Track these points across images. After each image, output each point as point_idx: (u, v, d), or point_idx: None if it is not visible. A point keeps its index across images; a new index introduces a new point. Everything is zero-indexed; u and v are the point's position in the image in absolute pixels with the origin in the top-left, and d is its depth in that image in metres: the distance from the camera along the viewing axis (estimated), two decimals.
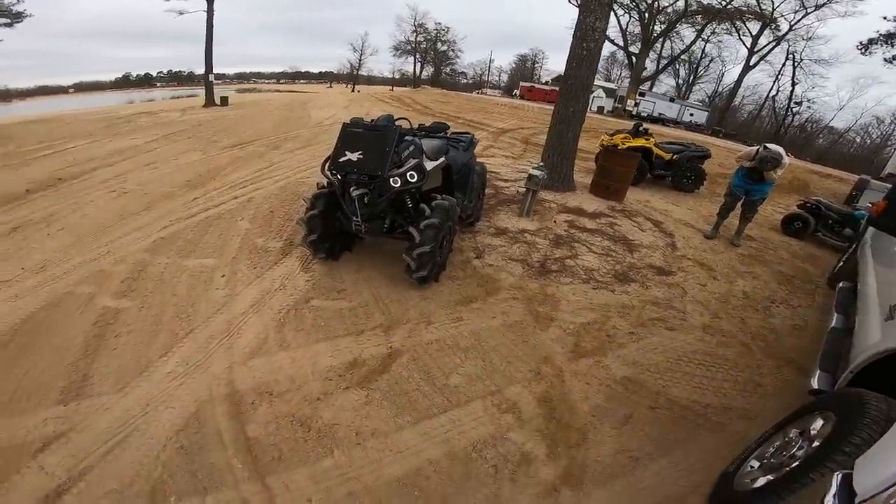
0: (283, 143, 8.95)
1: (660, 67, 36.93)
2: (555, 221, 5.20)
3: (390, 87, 44.57)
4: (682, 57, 36.52)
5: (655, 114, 30.86)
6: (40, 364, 2.34)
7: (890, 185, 8.35)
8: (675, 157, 8.36)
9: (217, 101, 18.57)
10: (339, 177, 3.16)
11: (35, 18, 23.22)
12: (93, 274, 3.35)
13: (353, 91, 38.13)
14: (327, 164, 3.25)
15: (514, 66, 58.89)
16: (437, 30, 49.72)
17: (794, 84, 34.38)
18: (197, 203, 5.09)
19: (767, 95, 37.14)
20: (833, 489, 1.28)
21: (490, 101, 29.04)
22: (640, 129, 8.45)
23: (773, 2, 29.04)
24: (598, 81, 47.27)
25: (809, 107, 35.86)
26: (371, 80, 52.83)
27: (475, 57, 76.62)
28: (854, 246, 4.70)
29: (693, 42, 33.32)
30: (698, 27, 31.92)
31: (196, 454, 1.88)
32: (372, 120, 3.51)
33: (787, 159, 4.98)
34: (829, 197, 8.28)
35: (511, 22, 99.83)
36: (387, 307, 3.08)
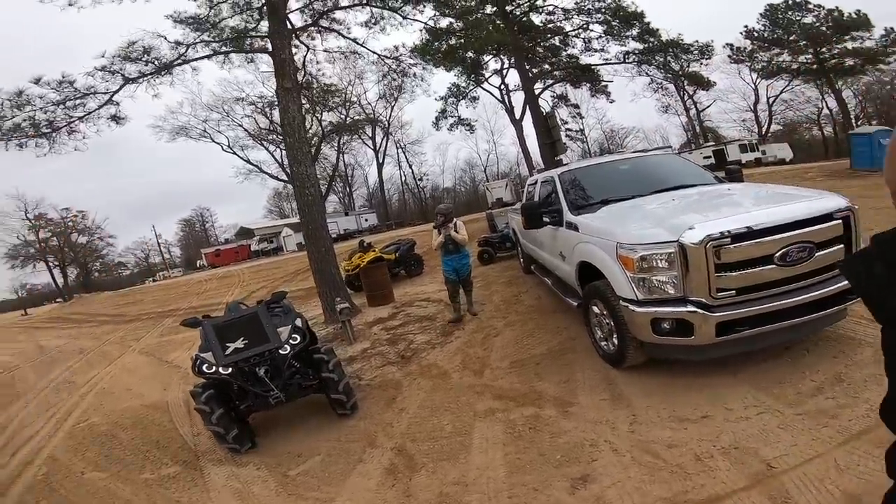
0: None
1: (323, 190, 43.25)
2: (375, 334, 6.50)
3: (22, 312, 33.07)
4: (337, 173, 43.35)
5: (341, 231, 35.78)
6: None
7: (502, 210, 13.88)
8: (397, 254, 11.07)
9: None
10: (231, 368, 3.42)
11: None
12: None
13: None
14: (202, 365, 3.44)
15: (180, 234, 54.38)
16: (64, 218, 40.13)
17: (410, 166, 47.72)
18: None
19: (402, 181, 49.80)
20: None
21: (186, 282, 26.60)
22: (365, 244, 10.88)
23: (372, 107, 39.40)
24: (276, 222, 49.90)
25: (428, 178, 50.36)
26: None
27: (130, 238, 65.24)
28: (518, 248, 8.21)
29: (339, 157, 40.00)
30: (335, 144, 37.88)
31: None
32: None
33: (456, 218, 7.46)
34: (485, 232, 12.86)
35: (159, 189, 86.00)
36: (349, 439, 3.58)
